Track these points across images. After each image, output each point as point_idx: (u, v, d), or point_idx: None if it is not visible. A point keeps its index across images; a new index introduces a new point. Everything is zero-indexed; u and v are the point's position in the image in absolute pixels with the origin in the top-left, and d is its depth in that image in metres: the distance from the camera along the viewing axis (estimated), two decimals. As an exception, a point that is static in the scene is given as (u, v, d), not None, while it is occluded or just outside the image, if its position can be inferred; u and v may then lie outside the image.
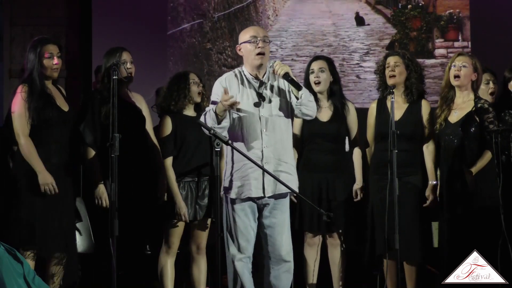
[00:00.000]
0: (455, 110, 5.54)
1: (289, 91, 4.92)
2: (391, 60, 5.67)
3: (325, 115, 5.77)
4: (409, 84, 5.65)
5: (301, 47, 7.64)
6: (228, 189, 4.89)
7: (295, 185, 4.94)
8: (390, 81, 5.63)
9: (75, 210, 5.43)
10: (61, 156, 5.26)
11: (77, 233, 5.52)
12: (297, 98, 4.85)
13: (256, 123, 4.85)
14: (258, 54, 4.86)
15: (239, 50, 4.95)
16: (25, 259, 4.60)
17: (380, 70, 5.74)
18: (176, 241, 5.52)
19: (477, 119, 5.46)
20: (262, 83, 4.92)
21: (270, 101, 4.89)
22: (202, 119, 4.81)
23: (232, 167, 4.86)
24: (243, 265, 4.88)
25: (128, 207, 5.13)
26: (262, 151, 4.84)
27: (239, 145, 4.84)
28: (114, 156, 4.77)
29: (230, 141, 4.79)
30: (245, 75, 4.94)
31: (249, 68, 4.94)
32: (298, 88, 4.83)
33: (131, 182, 5.22)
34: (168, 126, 5.53)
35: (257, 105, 4.86)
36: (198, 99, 5.60)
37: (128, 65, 5.40)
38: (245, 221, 4.86)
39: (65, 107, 5.31)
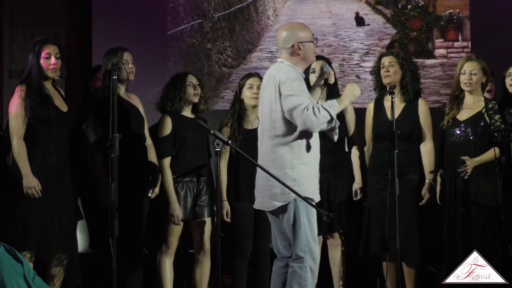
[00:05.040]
0: (464, 110, 5.58)
1: None
2: (386, 60, 5.69)
3: (325, 115, 5.76)
4: (404, 83, 5.67)
5: (301, 47, 7.61)
6: (311, 192, 4.72)
7: None
8: (385, 81, 5.65)
9: (76, 208, 5.43)
10: (60, 156, 5.26)
11: (77, 233, 5.52)
12: None
13: None
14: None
15: (299, 48, 4.69)
16: (25, 259, 4.60)
17: (375, 71, 5.76)
18: (174, 241, 5.52)
19: (487, 119, 5.49)
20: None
21: None
22: (313, 115, 4.55)
23: (308, 169, 4.70)
24: None
25: (127, 206, 5.13)
26: (319, 151, 4.80)
27: (303, 147, 4.68)
28: (114, 156, 4.77)
29: (229, 141, 4.77)
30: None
31: (301, 67, 4.75)
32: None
33: (130, 181, 5.22)
34: (168, 126, 5.52)
35: None
36: (195, 100, 5.59)
37: (130, 66, 5.40)
38: None
39: (63, 108, 5.31)
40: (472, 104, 5.58)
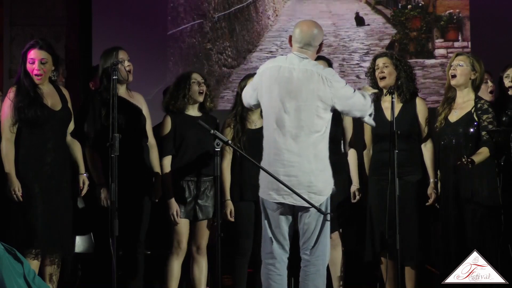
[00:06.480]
0: (455, 110, 5.53)
1: None
2: (380, 61, 5.67)
3: (324, 115, 5.76)
4: (399, 84, 5.64)
5: (301, 47, 7.62)
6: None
7: None
8: (381, 83, 5.64)
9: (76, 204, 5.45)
10: (57, 155, 5.25)
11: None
12: None
13: None
14: None
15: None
16: (25, 259, 4.60)
17: (371, 72, 5.75)
18: (183, 240, 5.51)
19: (477, 119, 5.45)
20: None
21: None
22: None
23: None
24: None
25: (128, 207, 5.14)
26: None
27: (327, 141, 4.69)
28: (114, 156, 4.77)
29: (229, 141, 4.77)
30: None
31: None
32: None
33: (130, 182, 5.22)
34: (167, 126, 5.54)
35: None
36: (200, 99, 5.60)
37: (126, 63, 5.39)
38: None
39: (56, 107, 5.29)
40: (463, 104, 5.51)
